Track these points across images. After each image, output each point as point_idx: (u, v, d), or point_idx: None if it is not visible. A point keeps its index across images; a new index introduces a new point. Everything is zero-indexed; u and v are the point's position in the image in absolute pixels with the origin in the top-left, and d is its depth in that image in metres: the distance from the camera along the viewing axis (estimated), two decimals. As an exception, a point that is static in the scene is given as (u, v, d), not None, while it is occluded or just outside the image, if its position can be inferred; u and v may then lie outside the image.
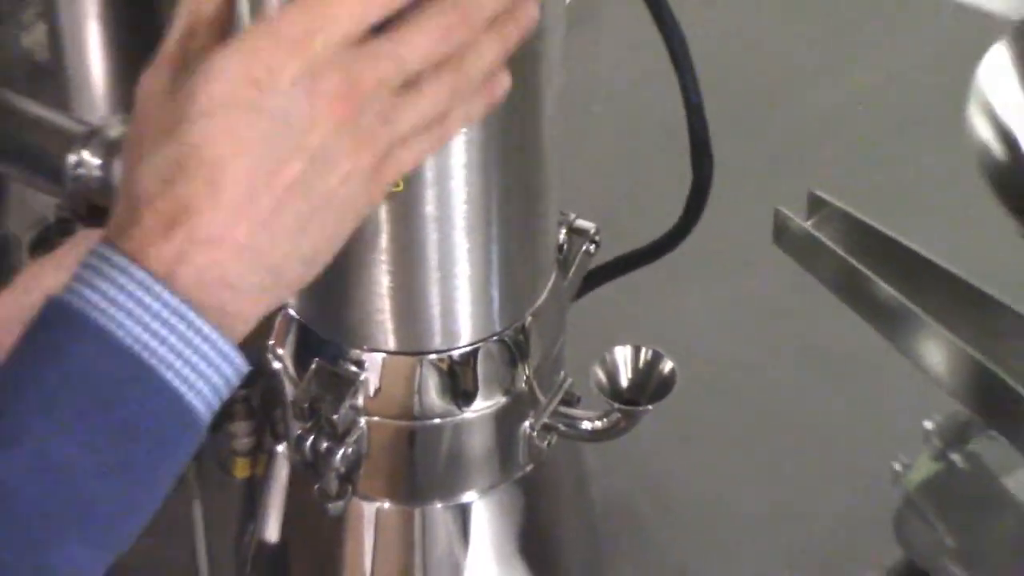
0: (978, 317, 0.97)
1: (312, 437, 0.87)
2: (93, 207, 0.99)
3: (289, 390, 0.92)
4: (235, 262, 0.57)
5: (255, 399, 0.99)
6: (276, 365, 0.92)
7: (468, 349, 0.91)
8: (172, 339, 0.56)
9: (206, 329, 0.56)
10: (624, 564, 1.16)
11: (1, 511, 0.55)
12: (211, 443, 0.97)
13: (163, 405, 0.57)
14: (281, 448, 0.97)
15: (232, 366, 0.58)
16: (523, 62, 0.72)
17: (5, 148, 1.01)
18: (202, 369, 0.57)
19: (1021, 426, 0.95)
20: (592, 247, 1.02)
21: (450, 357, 0.89)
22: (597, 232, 1.02)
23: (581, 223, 1.01)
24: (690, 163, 0.99)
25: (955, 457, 1.06)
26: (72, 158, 0.96)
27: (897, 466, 1.07)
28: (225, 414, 0.98)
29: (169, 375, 0.56)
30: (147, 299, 0.55)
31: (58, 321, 0.56)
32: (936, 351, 0.98)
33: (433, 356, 0.89)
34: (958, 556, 1.06)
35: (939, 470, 1.07)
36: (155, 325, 0.56)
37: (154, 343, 0.55)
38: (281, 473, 1.00)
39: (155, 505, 0.60)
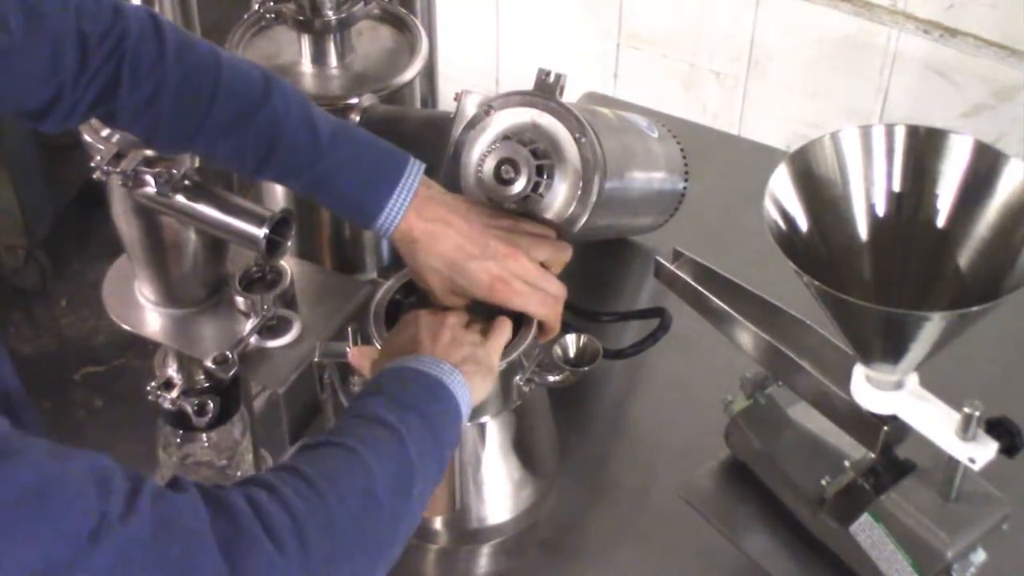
0: (769, 317, 1.18)
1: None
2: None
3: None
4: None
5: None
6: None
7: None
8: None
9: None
10: (570, 452, 1.33)
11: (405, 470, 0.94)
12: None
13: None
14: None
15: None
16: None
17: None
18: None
19: (794, 378, 1.16)
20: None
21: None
22: None
23: None
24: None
25: (759, 396, 1.25)
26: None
27: (727, 400, 1.26)
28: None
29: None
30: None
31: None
32: (747, 337, 1.18)
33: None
34: (761, 453, 1.25)
35: (750, 404, 1.25)
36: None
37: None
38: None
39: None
